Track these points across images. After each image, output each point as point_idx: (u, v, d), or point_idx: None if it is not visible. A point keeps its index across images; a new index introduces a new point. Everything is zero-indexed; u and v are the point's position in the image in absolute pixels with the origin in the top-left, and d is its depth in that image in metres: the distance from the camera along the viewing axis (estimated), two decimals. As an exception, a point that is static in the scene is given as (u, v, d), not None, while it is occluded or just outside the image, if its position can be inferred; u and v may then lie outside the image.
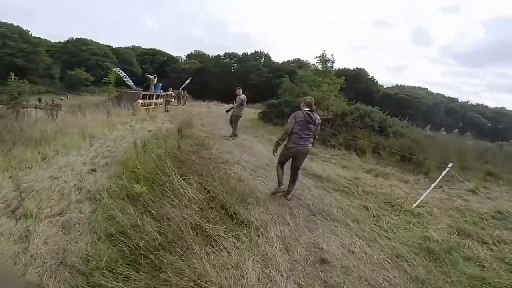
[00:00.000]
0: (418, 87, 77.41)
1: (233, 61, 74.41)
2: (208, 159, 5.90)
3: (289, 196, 4.72)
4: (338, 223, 4.14)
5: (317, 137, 4.77)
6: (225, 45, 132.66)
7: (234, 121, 9.44)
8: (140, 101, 18.58)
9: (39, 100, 38.62)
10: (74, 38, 64.78)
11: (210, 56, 77.77)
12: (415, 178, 6.93)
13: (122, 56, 67.36)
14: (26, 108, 19.24)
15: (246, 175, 5.60)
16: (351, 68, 67.79)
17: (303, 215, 4.24)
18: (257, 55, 73.68)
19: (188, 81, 29.08)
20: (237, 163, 6.25)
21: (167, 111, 18.39)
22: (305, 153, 4.66)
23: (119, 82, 20.07)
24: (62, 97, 45.37)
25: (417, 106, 62.24)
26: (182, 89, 26.93)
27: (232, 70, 72.31)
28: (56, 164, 6.40)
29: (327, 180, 5.80)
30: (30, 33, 56.23)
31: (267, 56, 74.34)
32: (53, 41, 65.40)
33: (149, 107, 20.05)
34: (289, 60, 74.73)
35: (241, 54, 74.00)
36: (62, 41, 66.26)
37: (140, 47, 76.77)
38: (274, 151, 4.79)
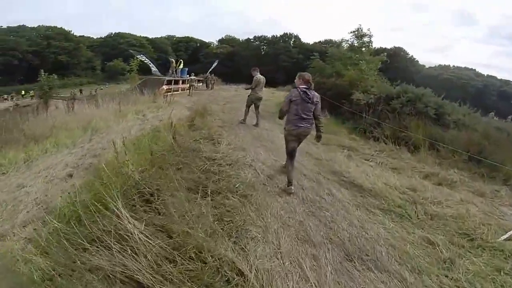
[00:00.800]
0: (465, 67, 68.99)
1: (262, 43, 72.08)
2: (210, 160, 4.44)
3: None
4: (389, 275, 2.54)
5: (320, 118, 4.17)
6: (255, 31, 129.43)
7: (247, 104, 8.23)
8: (165, 87, 17.55)
9: (80, 91, 40.16)
10: (113, 32, 67.11)
11: (240, 40, 75.92)
12: (492, 189, 4.95)
13: (157, 45, 67.88)
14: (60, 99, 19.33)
15: (258, 183, 4.06)
16: (388, 47, 62.88)
17: (333, 260, 2.66)
18: (287, 36, 70.84)
19: (215, 64, 27.43)
20: (250, 165, 4.69)
21: (191, 96, 17.22)
22: (306, 135, 4.18)
23: (145, 70, 19.44)
24: (102, 87, 48.00)
25: (465, 88, 55.59)
26: (209, 73, 25.48)
27: (262, 53, 70.16)
28: (38, 166, 5.35)
29: (372, 193, 4.09)
30: (72, 32, 60.33)
31: (296, 38, 71.28)
32: (95, 37, 69.01)
33: (174, 92, 19.08)
34: (320, 41, 71.09)
35: (270, 37, 71.47)
36: (103, 36, 69.18)
37: (175, 36, 76.96)
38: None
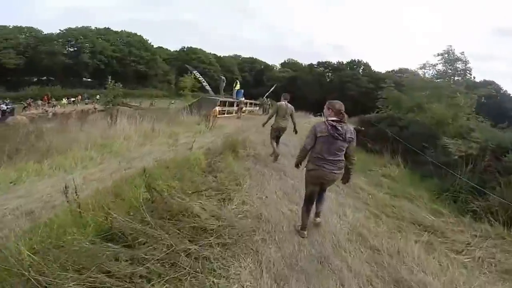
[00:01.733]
0: None
1: (327, 70, 69.16)
2: (197, 234, 2.70)
3: (318, 219, 3.59)
4: None
5: (352, 159, 3.28)
6: (318, 56, 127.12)
7: (271, 135, 7.11)
8: (217, 108, 16.68)
9: (151, 103, 42.07)
10: (186, 47, 70.15)
11: (303, 64, 74.37)
12: None
13: (224, 64, 70.01)
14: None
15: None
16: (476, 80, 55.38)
17: None
18: (354, 63, 66.98)
19: (273, 87, 26.05)
20: (255, 252, 2.80)
21: (239, 119, 16.12)
22: (331, 180, 3.33)
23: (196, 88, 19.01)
24: (173, 101, 49.01)
25: None
26: (266, 97, 24.33)
27: (327, 80, 67.50)
28: (15, 192, 4.25)
29: None
30: (149, 42, 62.17)
31: (366, 65, 66.94)
32: (171, 50, 71.71)
33: (227, 115, 18.13)
34: (393, 70, 65.95)
35: (335, 63, 68.48)
36: (177, 49, 71.94)
37: (240, 55, 78.95)
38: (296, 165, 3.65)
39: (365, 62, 66.96)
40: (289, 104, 6.92)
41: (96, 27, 55.27)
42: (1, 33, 44.78)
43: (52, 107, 31.06)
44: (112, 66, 53.46)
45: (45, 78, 50.21)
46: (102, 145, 6.97)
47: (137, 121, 10.09)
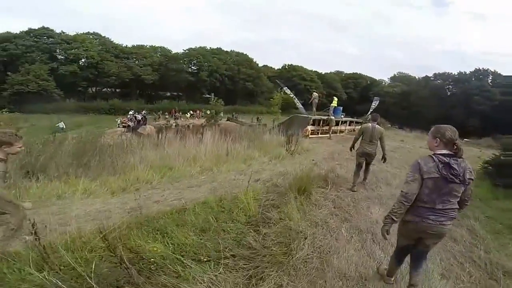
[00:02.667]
0: None
1: (446, 82, 59.07)
2: None
3: None
4: None
5: (466, 205, 2.36)
6: (431, 66, 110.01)
7: (356, 162, 6.27)
8: (310, 128, 15.15)
9: (257, 119, 43.38)
10: (287, 64, 70.86)
11: (416, 78, 65.59)
12: None
13: (326, 80, 67.85)
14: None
15: None
16: None
17: None
18: (480, 73, 55.11)
19: (377, 103, 22.48)
20: None
21: (330, 139, 14.15)
22: (438, 235, 2.33)
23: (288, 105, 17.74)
24: (274, 118, 49.61)
25: None
26: (370, 113, 21.22)
27: (448, 93, 57.21)
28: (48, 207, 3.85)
29: None
30: (254, 60, 65.20)
31: (496, 74, 54.17)
32: (275, 68, 73.75)
33: (321, 135, 16.35)
34: None
35: (456, 74, 57.55)
36: (279, 67, 73.59)
37: (343, 72, 75.25)
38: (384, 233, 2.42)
39: (493, 70, 54.44)
40: (377, 126, 6.03)
41: (210, 47, 60.67)
42: (140, 51, 53.78)
43: (175, 119, 35.04)
44: (225, 84, 58.50)
45: (175, 93, 57.96)
46: (167, 167, 6.43)
47: (217, 140, 9.49)
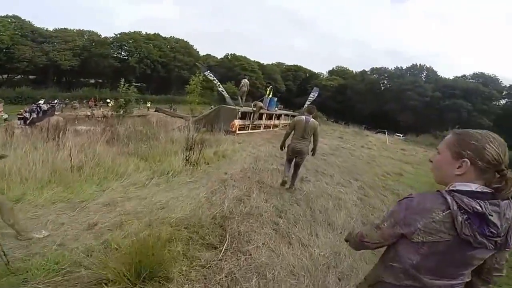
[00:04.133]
0: None
1: (382, 76, 61.04)
2: None
3: None
4: None
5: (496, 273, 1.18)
6: (370, 63, 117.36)
7: (286, 157, 5.44)
8: (237, 122, 12.26)
9: (170, 107, 39.97)
10: (229, 54, 67.45)
11: (354, 72, 67.22)
12: None
13: (267, 71, 66.08)
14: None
15: None
16: None
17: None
18: (416, 69, 57.87)
19: (315, 94, 20.09)
20: None
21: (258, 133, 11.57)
22: None
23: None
24: (212, 107, 46.49)
25: None
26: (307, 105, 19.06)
27: (382, 88, 59.50)
28: None
29: None
30: (195, 48, 61.14)
31: (430, 70, 57.48)
32: (218, 57, 69.93)
33: (251, 131, 13.60)
34: (465, 75, 55.90)
35: (392, 69, 59.89)
36: (222, 57, 69.88)
37: (284, 63, 74.46)
38: None
39: (428, 66, 57.81)
40: (311, 119, 5.05)
41: (146, 33, 55.48)
42: (62, 35, 46.78)
43: (90, 108, 31.40)
44: (158, 71, 53.33)
45: (101, 81, 51.75)
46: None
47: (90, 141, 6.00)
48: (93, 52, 47.10)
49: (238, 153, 8.17)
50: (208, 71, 11.46)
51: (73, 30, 49.76)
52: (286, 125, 18.13)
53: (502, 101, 51.82)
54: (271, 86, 15.92)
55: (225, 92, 11.65)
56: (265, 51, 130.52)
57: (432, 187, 8.36)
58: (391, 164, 10.75)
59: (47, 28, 47.23)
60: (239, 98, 13.78)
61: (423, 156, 14.45)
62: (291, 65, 72.76)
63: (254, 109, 13.55)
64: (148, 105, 37.18)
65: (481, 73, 53.70)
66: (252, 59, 66.57)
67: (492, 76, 52.74)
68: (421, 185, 7.97)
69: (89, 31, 51.02)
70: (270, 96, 15.49)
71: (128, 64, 48.95)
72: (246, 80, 14.04)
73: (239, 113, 12.17)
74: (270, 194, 5.01)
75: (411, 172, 9.72)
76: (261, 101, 15.68)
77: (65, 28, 49.06)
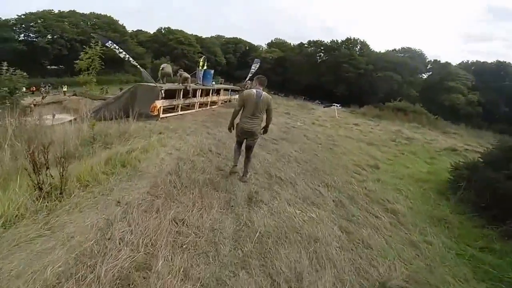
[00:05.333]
0: None
1: (318, 49, 60.26)
2: None
3: None
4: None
5: None
6: (307, 38, 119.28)
7: (236, 139, 4.52)
8: (158, 103, 9.11)
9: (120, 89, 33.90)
10: (163, 27, 60.48)
11: (292, 44, 65.53)
12: None
13: (206, 45, 61.04)
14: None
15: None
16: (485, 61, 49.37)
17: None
18: (350, 42, 57.89)
19: (257, 65, 17.20)
20: None
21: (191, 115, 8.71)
22: None
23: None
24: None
25: None
26: (249, 79, 16.12)
27: (318, 61, 59.28)
28: None
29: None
30: (120, 22, 53.28)
31: (363, 44, 58.06)
32: (151, 32, 62.35)
33: (181, 112, 10.63)
34: (394, 49, 58.28)
35: (329, 42, 59.25)
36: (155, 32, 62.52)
37: (224, 36, 69.87)
38: None
39: (362, 40, 58.65)
40: (263, 93, 4.10)
41: (59, 10, 46.61)
42: None
43: None
44: (76, 51, 44.62)
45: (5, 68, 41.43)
46: None
47: None
48: None
49: (153, 153, 5.30)
50: (111, 42, 7.81)
51: None
52: (226, 101, 15.35)
53: (425, 75, 55.66)
54: (204, 56, 12.78)
55: (140, 67, 8.16)
56: (202, 26, 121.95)
57: (419, 181, 6.26)
58: (356, 148, 8.85)
59: None
60: (161, 76, 10.62)
61: (382, 133, 13.09)
62: (231, 38, 68.48)
63: (184, 84, 10.51)
64: (64, 89, 30.74)
65: (409, 47, 56.53)
66: (190, 32, 60.68)
67: (418, 50, 55.96)
68: (407, 183, 6.07)
69: None
70: (204, 67, 12.47)
71: (38, 45, 40.59)
72: (167, 64, 10.90)
73: (162, 91, 9.02)
74: (196, 247, 2.44)
75: (385, 161, 7.86)
76: (194, 75, 12.63)
77: None
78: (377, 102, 36.73)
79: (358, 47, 57.60)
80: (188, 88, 10.42)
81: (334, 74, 52.51)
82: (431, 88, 48.84)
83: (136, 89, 9.51)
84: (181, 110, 10.62)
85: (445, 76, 49.22)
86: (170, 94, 10.04)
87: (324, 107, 19.54)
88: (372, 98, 44.63)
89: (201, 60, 12.44)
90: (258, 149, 6.59)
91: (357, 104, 35.41)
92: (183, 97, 10.54)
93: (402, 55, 54.92)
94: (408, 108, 25.73)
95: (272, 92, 31.11)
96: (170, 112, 10.16)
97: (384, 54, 55.20)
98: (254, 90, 4.12)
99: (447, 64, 53.41)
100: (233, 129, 4.44)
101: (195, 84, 12.22)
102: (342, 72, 51.54)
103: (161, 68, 10.86)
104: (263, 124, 4.44)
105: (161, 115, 9.29)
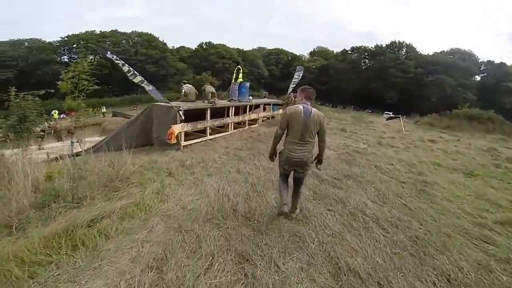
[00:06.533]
0: None
1: (363, 56, 56.59)
2: None
3: None
4: None
5: None
6: (347, 44, 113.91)
7: (279, 172, 3.48)
8: (176, 128, 6.85)
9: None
10: (204, 42, 61.01)
11: (334, 52, 62.33)
12: None
13: (248, 57, 60.18)
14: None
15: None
16: None
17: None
18: (395, 46, 53.57)
19: (300, 74, 13.60)
20: None
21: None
22: None
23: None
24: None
25: None
26: (293, 91, 13.10)
27: (363, 67, 55.09)
28: None
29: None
30: (161, 39, 53.97)
31: (409, 47, 53.25)
32: (193, 48, 63.42)
33: (209, 136, 8.34)
34: (443, 51, 52.51)
35: (373, 47, 55.25)
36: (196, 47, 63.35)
37: (265, 48, 68.63)
38: None
39: (408, 43, 53.69)
40: (313, 110, 3.12)
41: (101, 31, 48.50)
42: None
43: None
44: (116, 70, 45.72)
45: (47, 91, 43.72)
46: None
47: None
48: (31, 61, 39.83)
49: (140, 217, 3.13)
50: (113, 55, 5.89)
51: (5, 40, 42.05)
52: (268, 118, 12.81)
53: (478, 77, 51.05)
54: (238, 67, 10.49)
55: (147, 83, 6.01)
56: (243, 39, 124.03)
57: None
58: (456, 185, 5.72)
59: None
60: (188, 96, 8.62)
61: (472, 153, 9.58)
62: (272, 49, 67.35)
63: (210, 101, 8.29)
64: (103, 110, 30.77)
65: (457, 48, 51.98)
66: (231, 46, 60.47)
67: (468, 51, 51.32)
68: None
69: (30, 39, 43.77)
70: (240, 79, 10.19)
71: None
72: (208, 86, 8.86)
73: (180, 113, 6.79)
74: None
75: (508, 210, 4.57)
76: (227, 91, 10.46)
77: (-4, 41, 41.27)
78: (431, 108, 32.50)
79: (404, 51, 53.26)
80: (215, 105, 8.15)
81: (381, 80, 48.60)
82: (488, 90, 43.85)
83: (151, 111, 7.51)
84: (212, 133, 8.39)
85: (502, 77, 44.06)
86: (195, 115, 7.85)
87: (386, 120, 15.96)
88: (424, 103, 40.87)
89: (236, 71, 10.18)
90: (310, 202, 4.14)
91: (409, 110, 31.59)
92: (211, 118, 8.27)
93: (452, 56, 49.61)
94: (482, 116, 20.93)
95: (319, 103, 28.24)
96: (196, 137, 7.96)
97: (432, 56, 50.34)
98: (301, 106, 3.13)
99: (503, 64, 47.60)
100: (275, 157, 3.46)
101: (229, 101, 9.98)
102: (390, 78, 47.54)
103: (202, 89, 8.92)
104: (316, 149, 3.32)
105: (183, 142, 7.09)
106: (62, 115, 26.17)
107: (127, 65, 6.14)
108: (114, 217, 3.22)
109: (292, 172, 3.39)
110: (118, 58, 6.05)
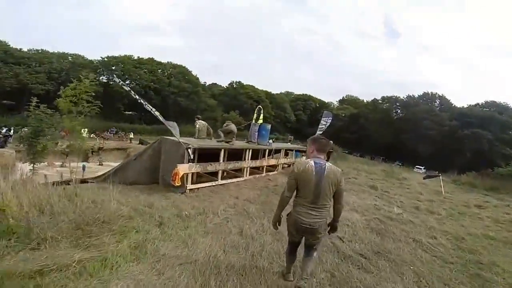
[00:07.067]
0: None
1: (394, 106, 55.49)
2: None
3: None
4: None
5: None
6: (378, 94, 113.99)
7: (288, 238, 2.85)
8: (182, 168, 6.09)
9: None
10: (235, 81, 62.79)
11: (365, 101, 61.82)
12: None
13: (275, 100, 61.13)
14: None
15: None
16: None
17: None
18: (428, 97, 52.27)
19: (329, 120, 12.10)
20: None
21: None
22: None
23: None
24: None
25: None
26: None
27: (395, 117, 53.68)
28: None
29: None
30: (195, 74, 54.96)
31: (442, 98, 51.69)
32: (224, 85, 65.04)
33: (223, 181, 7.50)
34: (478, 104, 50.20)
35: (404, 97, 54.24)
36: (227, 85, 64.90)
37: (293, 93, 69.82)
38: None
39: (441, 94, 52.21)
40: (327, 165, 2.50)
41: (138, 57, 49.68)
42: (36, 57, 41.26)
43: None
44: (150, 98, 46.83)
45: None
46: None
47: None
48: (71, 75, 42.27)
49: None
50: (120, 81, 5.65)
51: (52, 52, 43.93)
52: (289, 165, 11.68)
53: None
54: (259, 106, 9.93)
55: (159, 115, 5.56)
56: (272, 82, 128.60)
57: None
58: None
59: (20, 48, 40.87)
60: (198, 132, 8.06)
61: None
62: (300, 94, 68.01)
63: (227, 140, 7.60)
64: (131, 135, 31.41)
65: (493, 101, 49.43)
66: (259, 88, 62.11)
67: (504, 104, 48.70)
68: None
69: (74, 54, 45.60)
70: (260, 120, 9.56)
71: (112, 89, 40.86)
72: (231, 125, 8.33)
73: (189, 151, 6.10)
74: None
75: None
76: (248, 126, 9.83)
77: (42, 50, 43.53)
78: (466, 163, 30.84)
79: (438, 102, 51.35)
80: (232, 145, 7.45)
81: (414, 132, 46.47)
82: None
83: (160, 144, 6.90)
84: (224, 177, 7.58)
85: (544, 131, 40.19)
86: (208, 154, 7.15)
87: (424, 178, 14.26)
88: (459, 158, 38.44)
89: (257, 111, 9.61)
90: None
91: (443, 165, 29.20)
92: (227, 160, 7.52)
93: (488, 109, 47.00)
94: (532, 176, 18.39)
95: (347, 151, 26.96)
96: (207, 179, 7.18)
97: (468, 109, 48.11)
98: (312, 162, 2.48)
99: (543, 117, 44.20)
100: (279, 225, 2.81)
101: (247, 142, 9.27)
102: (423, 129, 45.25)
103: (225, 125, 8.32)
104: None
105: (189, 186, 6.30)
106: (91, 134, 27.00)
107: (133, 92, 5.66)
108: (68, 272, 2.45)
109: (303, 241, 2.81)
110: (124, 85, 5.65)
